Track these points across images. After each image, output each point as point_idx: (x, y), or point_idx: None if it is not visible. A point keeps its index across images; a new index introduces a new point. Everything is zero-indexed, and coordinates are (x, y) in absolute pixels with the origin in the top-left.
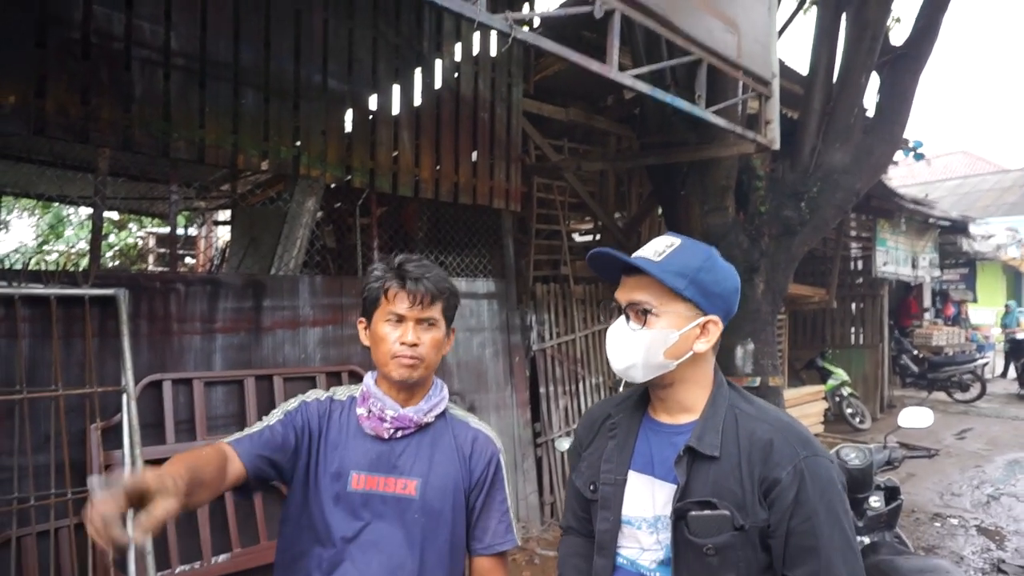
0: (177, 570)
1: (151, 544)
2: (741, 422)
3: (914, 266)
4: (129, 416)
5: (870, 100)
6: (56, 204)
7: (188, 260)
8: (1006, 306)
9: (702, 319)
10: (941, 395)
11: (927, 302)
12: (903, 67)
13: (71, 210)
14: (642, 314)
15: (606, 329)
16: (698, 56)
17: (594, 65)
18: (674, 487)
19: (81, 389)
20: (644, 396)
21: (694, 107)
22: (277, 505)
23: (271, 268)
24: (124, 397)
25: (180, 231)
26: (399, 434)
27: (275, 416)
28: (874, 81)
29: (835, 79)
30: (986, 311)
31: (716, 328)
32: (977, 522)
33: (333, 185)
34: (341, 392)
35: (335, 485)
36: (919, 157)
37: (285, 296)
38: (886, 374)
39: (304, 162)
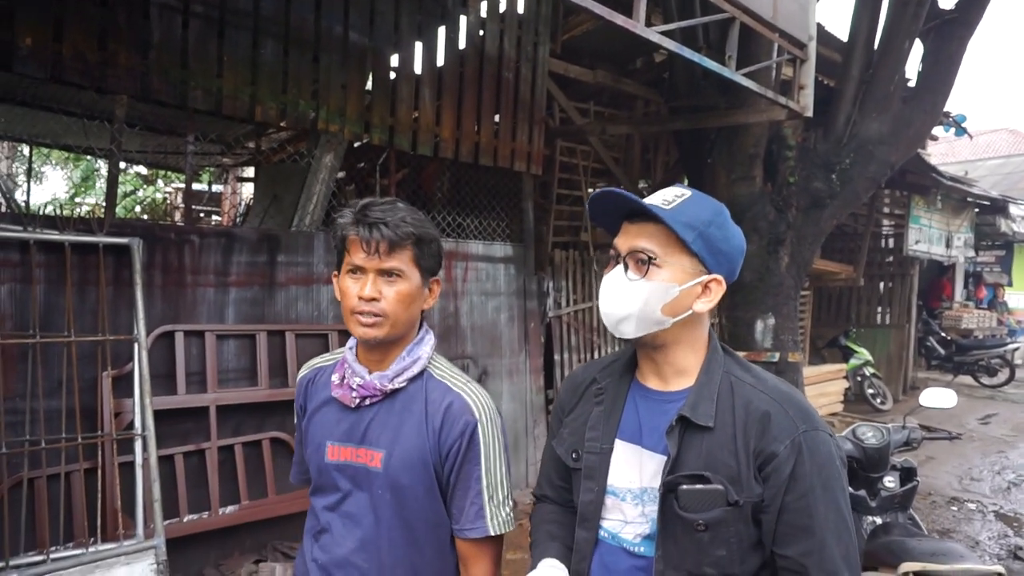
0: (185, 519)
1: (159, 491)
2: (737, 390)
3: (948, 245)
4: (140, 366)
5: (912, 68)
6: (88, 158)
7: (215, 218)
8: None
9: (706, 277)
10: (967, 379)
11: (959, 283)
12: (949, 33)
13: (100, 163)
14: (643, 264)
15: None
16: (730, 14)
17: (619, 19)
18: (663, 458)
19: (94, 337)
20: (632, 361)
21: (723, 68)
22: (286, 459)
23: (292, 225)
24: (136, 346)
25: (204, 187)
26: (367, 402)
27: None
28: (917, 48)
29: (876, 45)
30: (1020, 295)
31: (719, 288)
32: (996, 508)
33: (356, 144)
34: (330, 356)
35: (316, 456)
36: (961, 132)
37: (300, 252)
38: (911, 356)
39: (323, 117)
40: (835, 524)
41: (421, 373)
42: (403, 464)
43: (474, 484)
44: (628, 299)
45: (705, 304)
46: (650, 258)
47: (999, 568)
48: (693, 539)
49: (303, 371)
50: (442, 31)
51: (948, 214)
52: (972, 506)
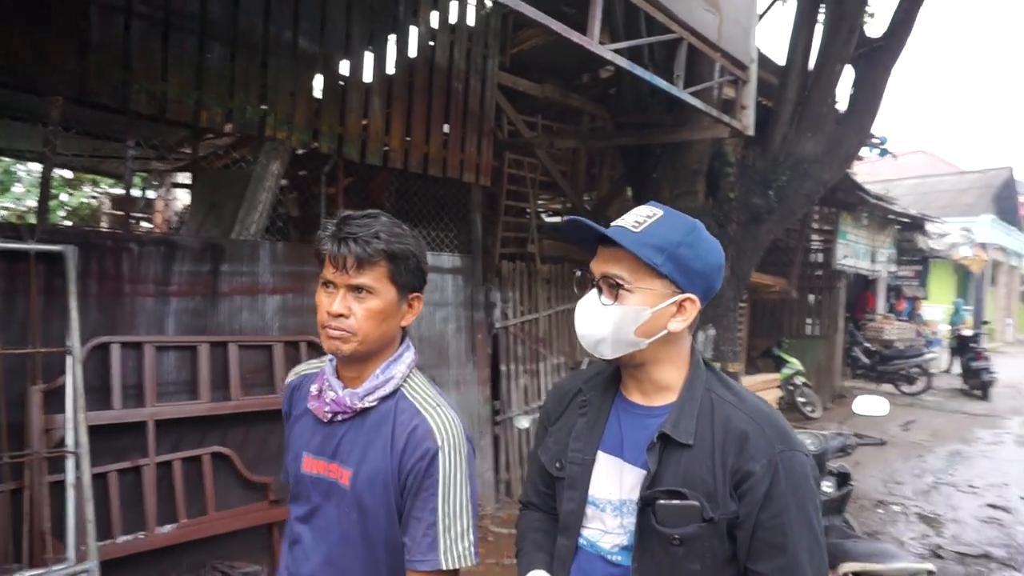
0: (119, 540)
1: (92, 512)
2: (717, 408)
3: (873, 260)
4: (74, 379)
5: (843, 92)
6: (4, 159)
7: (144, 224)
8: (954, 304)
9: (679, 297)
10: (889, 387)
11: (881, 297)
12: (876, 60)
13: (20, 166)
14: (614, 288)
15: (571, 309)
16: (679, 35)
17: (575, 36)
18: (643, 472)
19: (23, 349)
20: (616, 373)
21: (672, 87)
22: (228, 477)
23: (232, 233)
24: (69, 359)
25: (137, 193)
26: (339, 418)
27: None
28: (848, 73)
29: (811, 69)
30: (935, 308)
31: (693, 307)
32: (918, 509)
33: (300, 151)
34: (316, 364)
35: (294, 465)
36: (884, 153)
37: (245, 261)
38: (838, 365)
39: (270, 123)
40: (808, 542)
41: (394, 392)
42: (368, 484)
43: (428, 515)
44: (601, 323)
45: (680, 323)
46: (618, 284)
47: (930, 566)
48: (668, 553)
49: (290, 377)
50: (393, 40)
51: (873, 230)
52: (896, 508)
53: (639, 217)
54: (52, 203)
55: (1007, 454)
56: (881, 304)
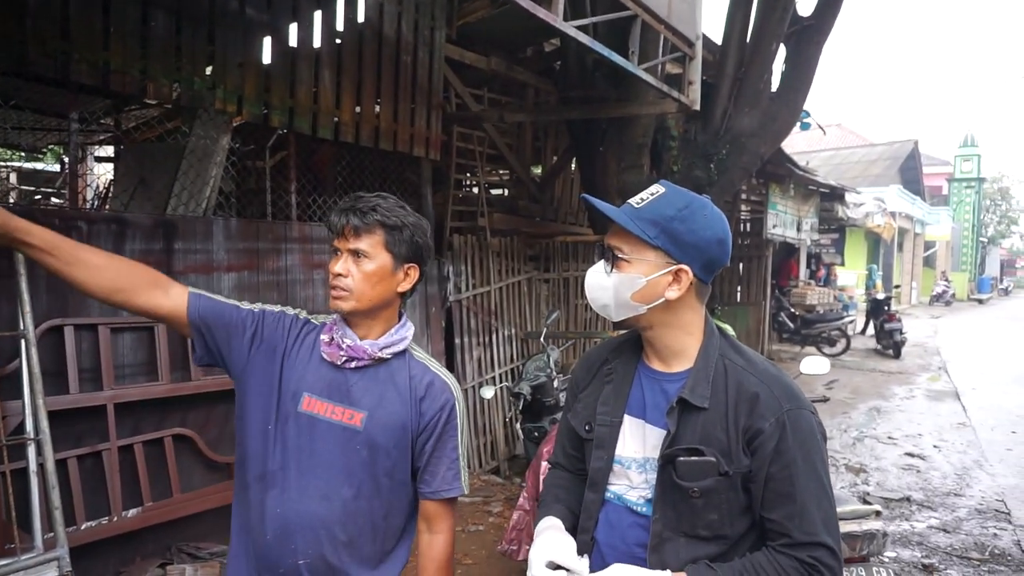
0: (83, 526)
1: (58, 499)
2: (730, 372)
3: (798, 229)
4: (30, 363)
5: (777, 70)
6: None
7: (55, 200)
8: (867, 269)
9: (673, 267)
10: (811, 349)
11: (803, 264)
12: (808, 38)
13: None
14: (614, 259)
15: (520, 282)
16: (634, 12)
17: (541, 12)
18: (664, 432)
19: None
20: (639, 343)
21: (628, 63)
22: (190, 458)
23: (166, 209)
24: (23, 343)
25: (50, 167)
26: (353, 364)
27: (249, 304)
28: (782, 51)
29: (747, 46)
30: (849, 273)
31: (687, 277)
32: (845, 461)
33: (235, 123)
34: (319, 318)
35: (289, 404)
36: (806, 127)
37: (198, 239)
38: (767, 330)
39: (219, 95)
40: (815, 491)
41: (403, 352)
42: (383, 426)
43: (450, 452)
44: (602, 289)
45: (675, 291)
46: (616, 256)
47: (877, 507)
48: (688, 504)
49: (298, 314)
50: (341, 6)
51: (799, 201)
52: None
53: (645, 195)
54: None
55: (919, 407)
56: (803, 271)
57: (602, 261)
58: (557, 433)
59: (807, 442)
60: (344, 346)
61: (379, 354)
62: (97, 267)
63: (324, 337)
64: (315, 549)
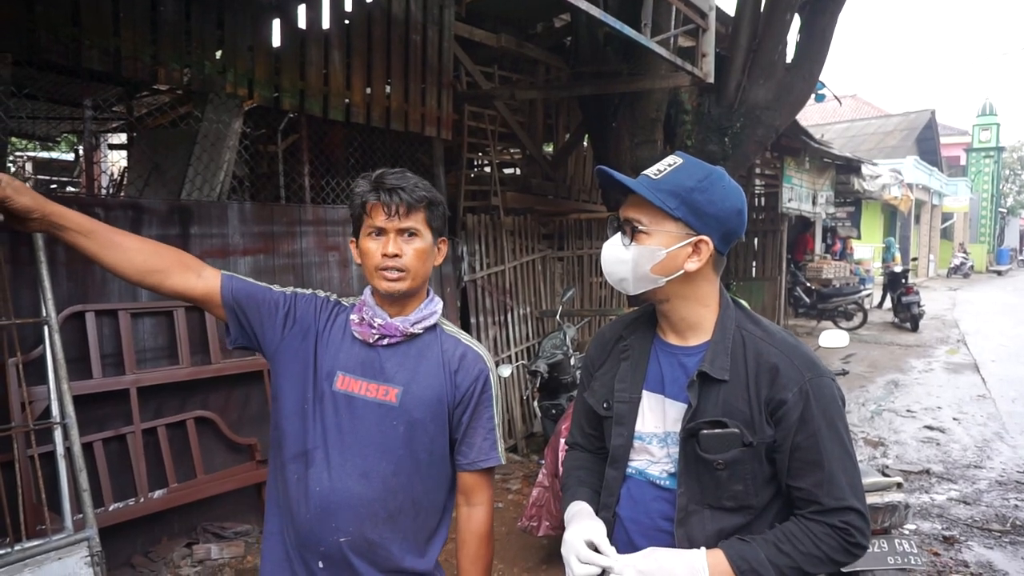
0: (111, 507)
1: (86, 481)
2: (748, 344)
3: (814, 203)
4: (53, 349)
5: (792, 40)
6: None
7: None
8: (885, 242)
9: (693, 238)
10: (828, 324)
11: (818, 238)
12: (822, 8)
13: None
14: (634, 231)
15: (534, 260)
16: None
17: None
18: (684, 406)
19: None
20: (652, 317)
21: (641, 36)
22: (213, 440)
23: (180, 194)
24: (46, 329)
25: (65, 155)
26: (385, 341)
27: (280, 288)
28: (797, 21)
29: (761, 17)
30: (865, 247)
31: (707, 248)
32: (864, 435)
33: (247, 107)
34: (347, 300)
35: (323, 384)
36: (820, 98)
37: (214, 223)
38: (782, 305)
39: (230, 79)
40: (840, 457)
41: (434, 326)
42: (419, 400)
43: (486, 422)
44: (621, 262)
45: (695, 263)
46: (635, 228)
47: (898, 479)
48: (713, 476)
49: (329, 296)
50: None
51: (814, 174)
52: None
53: (662, 166)
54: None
55: (938, 380)
56: (819, 245)
57: (618, 234)
58: (573, 413)
59: (830, 409)
60: (376, 325)
61: (411, 330)
62: (131, 249)
63: (354, 317)
64: (356, 527)
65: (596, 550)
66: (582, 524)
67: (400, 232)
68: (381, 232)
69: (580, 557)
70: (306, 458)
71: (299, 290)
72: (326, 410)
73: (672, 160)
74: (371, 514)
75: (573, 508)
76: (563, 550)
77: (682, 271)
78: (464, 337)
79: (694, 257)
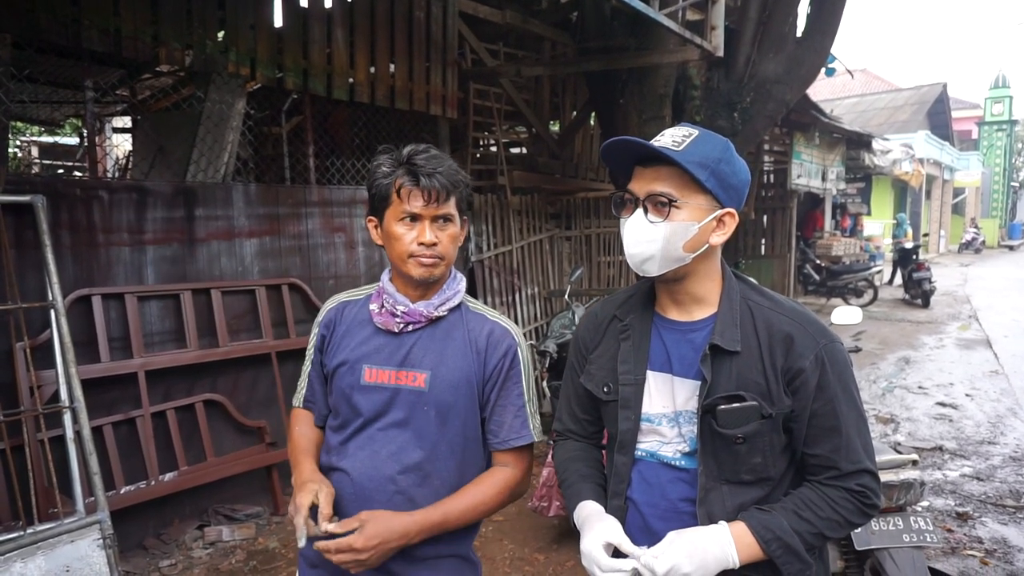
0: (122, 491)
1: (96, 464)
2: (757, 314)
3: (824, 179)
4: (60, 333)
5: (802, 12)
6: None
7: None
8: (896, 218)
9: (720, 211)
10: (838, 301)
11: (828, 214)
12: None
13: None
14: (663, 206)
15: (542, 240)
16: None
17: None
18: (695, 383)
19: (4, 306)
20: (649, 295)
21: (649, 9)
22: (222, 423)
23: (185, 176)
24: (52, 313)
25: (70, 140)
26: (410, 328)
27: (308, 357)
28: None
29: None
30: (876, 223)
31: (732, 221)
32: (875, 412)
33: (250, 88)
34: (357, 292)
35: (349, 377)
36: (831, 72)
37: (219, 205)
38: (792, 282)
39: (232, 59)
40: (855, 421)
41: (459, 305)
42: (448, 383)
43: (516, 399)
44: (651, 241)
45: (721, 237)
46: (670, 200)
47: (914, 456)
48: (732, 451)
49: (329, 305)
50: None
51: (824, 149)
52: None
53: (677, 137)
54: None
55: (950, 356)
56: (828, 222)
57: (639, 211)
58: (561, 398)
59: (844, 374)
60: (399, 313)
61: (435, 313)
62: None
63: (373, 307)
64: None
65: (616, 551)
66: (596, 528)
67: (436, 219)
68: (416, 218)
69: (602, 567)
70: (344, 449)
71: (311, 342)
72: (358, 403)
73: (687, 131)
74: (407, 501)
75: (583, 511)
76: (583, 562)
77: (707, 246)
78: (491, 313)
79: (719, 231)
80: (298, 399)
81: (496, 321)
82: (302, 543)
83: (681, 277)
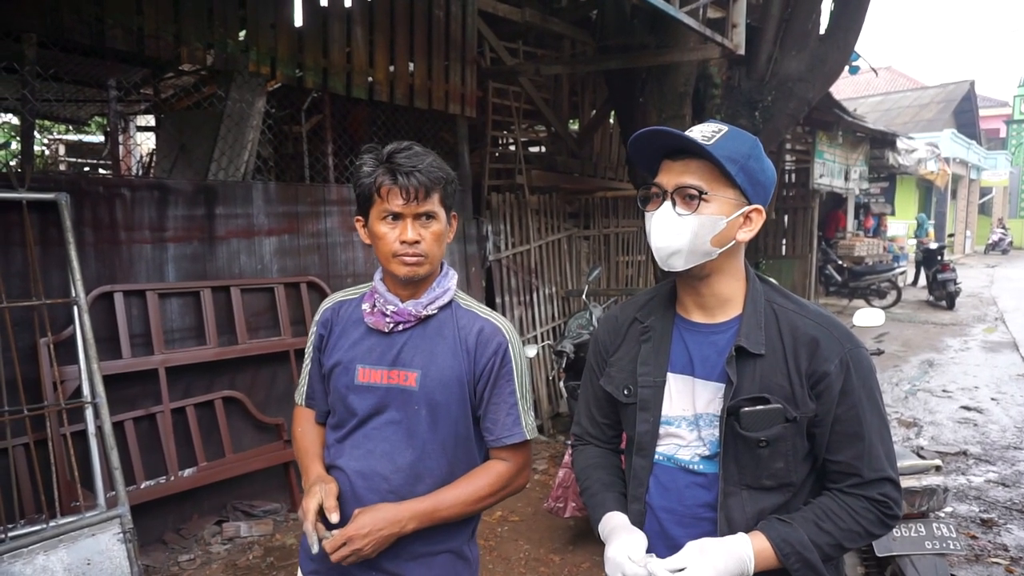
0: (143, 485)
1: (117, 459)
2: (781, 317)
3: (846, 179)
4: (83, 329)
5: (825, 9)
6: None
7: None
8: (917, 219)
9: (748, 208)
10: (860, 302)
11: (850, 214)
12: None
13: None
14: (692, 199)
15: (560, 239)
16: None
17: None
18: (718, 385)
19: (28, 302)
20: (670, 296)
21: (669, 7)
22: (240, 420)
23: (207, 174)
24: (75, 309)
25: (96, 138)
26: (400, 327)
27: (308, 355)
28: None
29: None
30: (900, 223)
31: (759, 217)
32: (898, 415)
33: (270, 87)
34: (353, 291)
35: (344, 377)
36: (855, 70)
37: (239, 203)
38: (813, 283)
39: (253, 58)
40: (878, 427)
41: (450, 303)
42: (438, 382)
43: (508, 397)
44: (679, 234)
45: (747, 233)
46: (701, 193)
47: (937, 462)
48: (754, 455)
49: (326, 304)
50: None
51: (847, 148)
52: None
53: (706, 132)
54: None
55: (975, 359)
56: (851, 222)
57: (667, 204)
58: (580, 402)
59: (868, 379)
60: (389, 312)
61: (424, 312)
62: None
63: (365, 307)
64: None
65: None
66: (623, 538)
67: (418, 216)
68: (397, 217)
69: (627, 572)
70: (340, 448)
71: (309, 341)
72: (353, 403)
73: (716, 127)
74: (399, 500)
75: (609, 522)
76: (607, 569)
77: (733, 242)
78: (482, 311)
79: (746, 227)
80: (300, 396)
81: (487, 319)
82: (315, 549)
83: (707, 275)
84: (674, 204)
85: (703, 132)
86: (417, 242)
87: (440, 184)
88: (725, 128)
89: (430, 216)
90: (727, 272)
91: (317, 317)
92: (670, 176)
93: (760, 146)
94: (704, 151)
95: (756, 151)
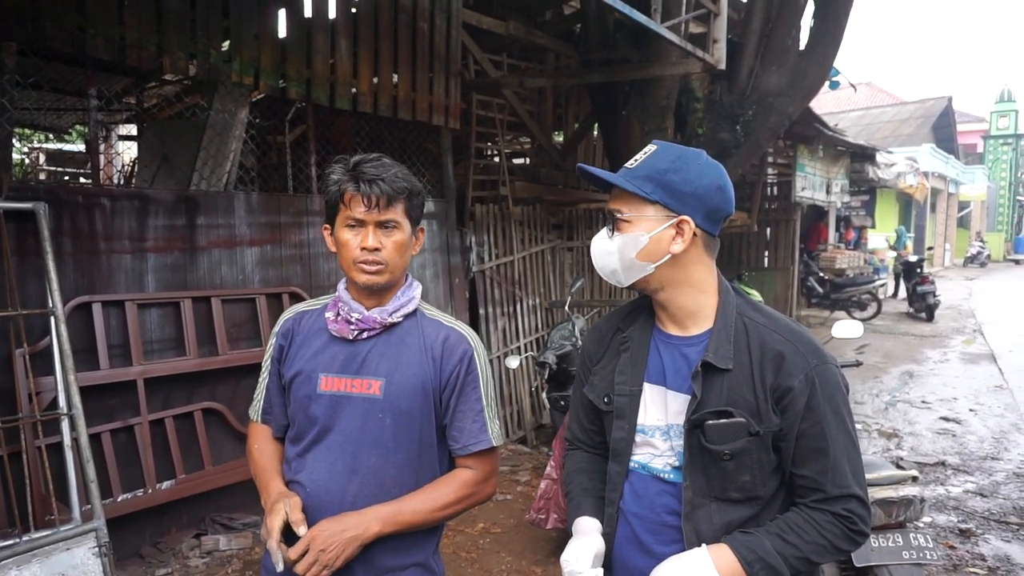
0: (120, 498)
1: (93, 472)
2: (751, 331)
3: (828, 192)
4: (60, 340)
5: (805, 25)
6: None
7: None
8: (896, 231)
9: (674, 219)
10: (841, 314)
11: (832, 227)
12: None
13: None
14: (618, 221)
15: (543, 251)
16: None
17: None
18: (686, 397)
19: (4, 312)
20: (651, 307)
21: (651, 21)
22: (220, 432)
23: (189, 184)
24: (52, 320)
25: (77, 147)
26: (364, 335)
27: (265, 368)
28: (809, 7)
29: (774, 1)
30: (880, 236)
31: (688, 227)
32: (878, 426)
33: (254, 97)
34: (314, 302)
35: (305, 386)
36: (835, 85)
37: (220, 213)
38: (795, 295)
39: (236, 68)
40: (844, 444)
41: (414, 312)
42: (403, 390)
43: (474, 404)
44: (608, 253)
45: (680, 244)
46: (616, 217)
47: (914, 472)
48: (719, 468)
49: (286, 315)
50: None
51: (828, 162)
52: (859, 426)
53: (639, 155)
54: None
55: (954, 371)
56: (832, 235)
57: (604, 228)
58: (571, 409)
59: (835, 396)
60: (353, 320)
61: (389, 320)
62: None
63: (329, 315)
64: None
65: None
66: (575, 543)
67: (379, 225)
68: (359, 224)
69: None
70: (301, 462)
71: (267, 352)
72: (315, 413)
73: (648, 148)
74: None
75: (579, 525)
76: (563, 567)
77: (669, 255)
78: (447, 319)
79: (678, 239)
80: (255, 412)
81: (452, 327)
82: (279, 567)
83: (658, 288)
84: (611, 228)
85: (637, 156)
86: (377, 249)
87: (403, 194)
88: (655, 147)
89: (393, 225)
90: (682, 284)
91: (277, 328)
92: (609, 202)
93: (686, 157)
94: (611, 180)
95: (677, 163)
